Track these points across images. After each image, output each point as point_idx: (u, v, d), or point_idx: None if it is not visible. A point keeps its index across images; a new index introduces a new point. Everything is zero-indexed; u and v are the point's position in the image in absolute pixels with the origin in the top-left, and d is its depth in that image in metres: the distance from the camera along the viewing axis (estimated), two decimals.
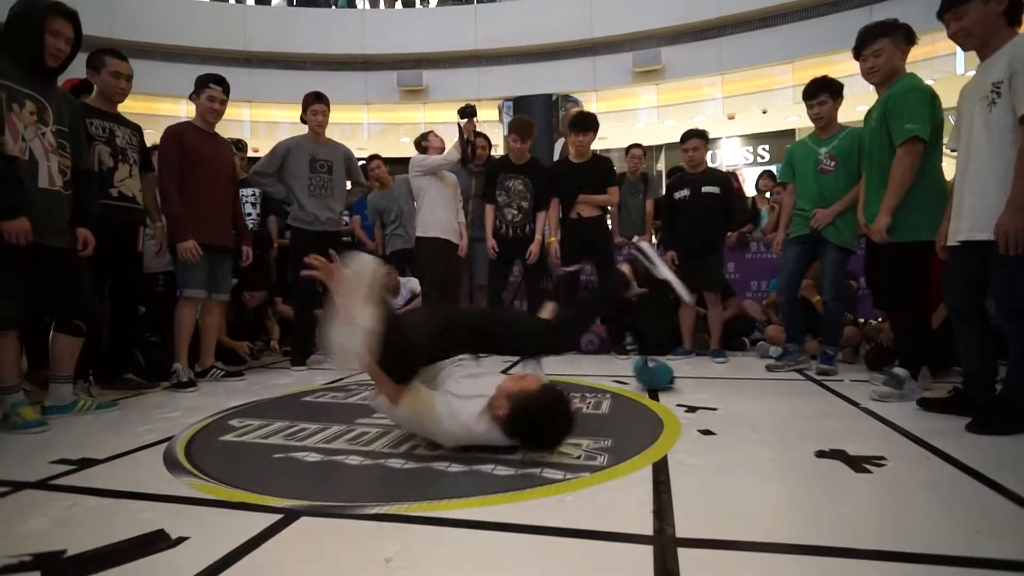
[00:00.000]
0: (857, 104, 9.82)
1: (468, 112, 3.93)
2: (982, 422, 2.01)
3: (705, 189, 3.97)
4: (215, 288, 3.34)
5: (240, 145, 4.83)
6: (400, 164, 4.66)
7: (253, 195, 4.43)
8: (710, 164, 4.64)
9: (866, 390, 2.75)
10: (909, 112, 2.52)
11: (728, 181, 4.24)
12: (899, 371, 2.58)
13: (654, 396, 2.71)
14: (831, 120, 3.32)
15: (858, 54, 2.78)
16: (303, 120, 3.91)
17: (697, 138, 4.04)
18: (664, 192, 4.53)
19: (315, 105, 3.82)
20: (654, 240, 5.47)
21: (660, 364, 3.01)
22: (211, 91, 3.29)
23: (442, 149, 4.14)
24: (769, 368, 3.44)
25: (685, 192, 4.03)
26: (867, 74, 2.76)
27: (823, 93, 3.29)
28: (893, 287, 2.67)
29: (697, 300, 4.10)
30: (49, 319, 2.57)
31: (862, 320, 4.38)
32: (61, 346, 2.50)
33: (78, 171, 2.52)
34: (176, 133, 3.22)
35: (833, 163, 3.23)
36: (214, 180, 3.29)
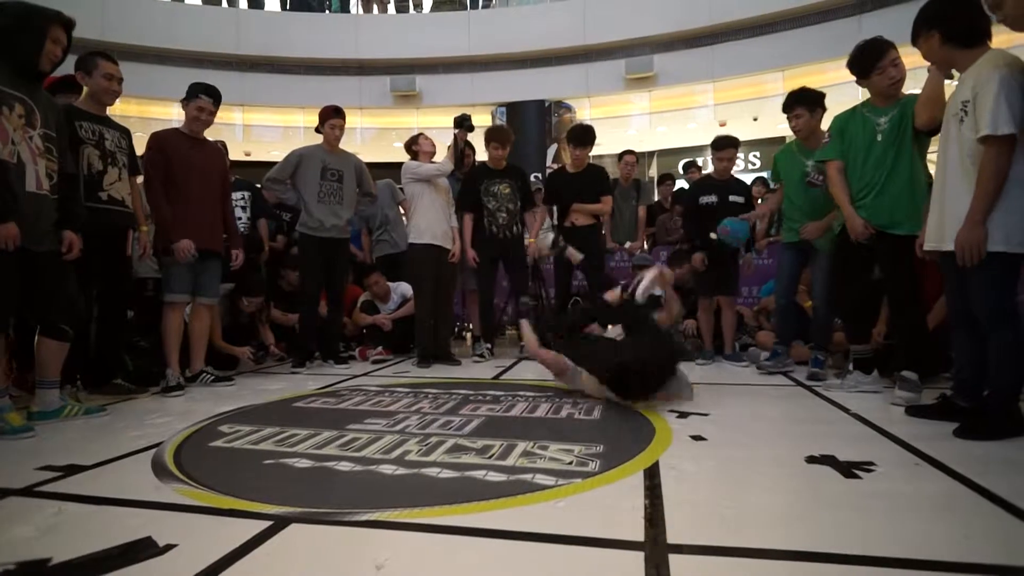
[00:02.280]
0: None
1: (466, 124, 3.98)
2: (969, 427, 2.04)
3: (732, 199, 4.00)
4: (202, 292, 3.33)
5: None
6: (393, 169, 4.65)
7: (243, 198, 4.42)
8: (702, 170, 4.69)
9: (857, 395, 2.78)
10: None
11: (750, 191, 4.28)
12: (907, 374, 2.61)
13: None
14: (812, 131, 3.34)
15: (871, 67, 2.77)
16: (318, 131, 4.03)
17: (732, 147, 4.06)
18: (688, 194, 4.52)
19: (334, 119, 3.98)
20: (645, 246, 5.50)
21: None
22: (200, 102, 3.28)
23: (432, 153, 4.15)
24: (759, 369, 3.50)
25: (712, 198, 4.04)
26: (889, 89, 2.78)
27: (798, 107, 3.33)
28: (899, 288, 2.72)
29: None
30: (35, 323, 2.54)
31: None
32: (47, 351, 2.48)
33: (62, 175, 2.50)
34: (160, 139, 3.23)
35: (821, 178, 3.23)
36: (200, 185, 3.28)
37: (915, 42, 2.29)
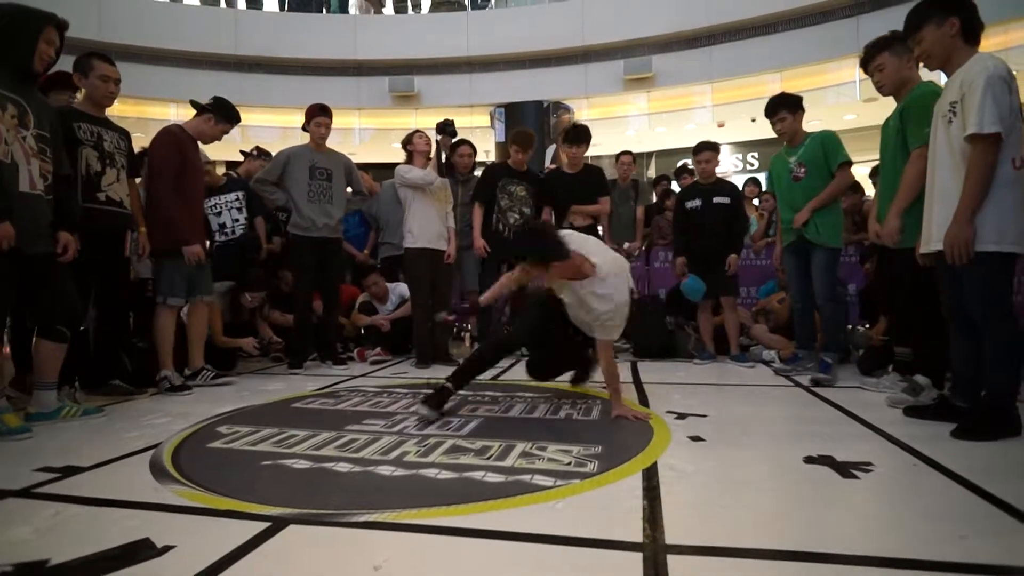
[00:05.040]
0: (844, 113, 9.99)
1: (449, 130, 4.02)
2: (967, 428, 2.04)
3: (717, 200, 4.04)
4: (199, 290, 3.34)
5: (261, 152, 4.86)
6: (392, 169, 4.65)
7: (237, 199, 4.39)
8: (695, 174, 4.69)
9: (855, 395, 2.78)
10: (928, 117, 2.37)
11: (737, 191, 4.30)
12: (920, 379, 2.60)
13: (644, 403, 2.72)
14: (796, 132, 3.48)
15: (865, 70, 2.86)
16: (305, 129, 4.00)
17: (710, 150, 4.13)
18: (676, 200, 4.57)
19: (319, 117, 3.97)
20: (643, 247, 5.51)
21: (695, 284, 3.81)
22: (227, 126, 3.36)
23: (427, 152, 4.14)
24: (778, 372, 3.52)
25: (697, 202, 4.10)
26: (877, 88, 2.84)
27: (781, 110, 3.47)
28: (910, 293, 2.67)
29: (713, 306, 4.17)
30: (32, 325, 2.54)
31: (849, 327, 4.42)
32: (44, 352, 2.47)
33: (58, 176, 2.49)
34: (175, 137, 3.22)
35: (803, 170, 3.38)
36: (198, 184, 3.34)
37: (918, 31, 2.22)
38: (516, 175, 4.25)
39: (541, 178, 4.50)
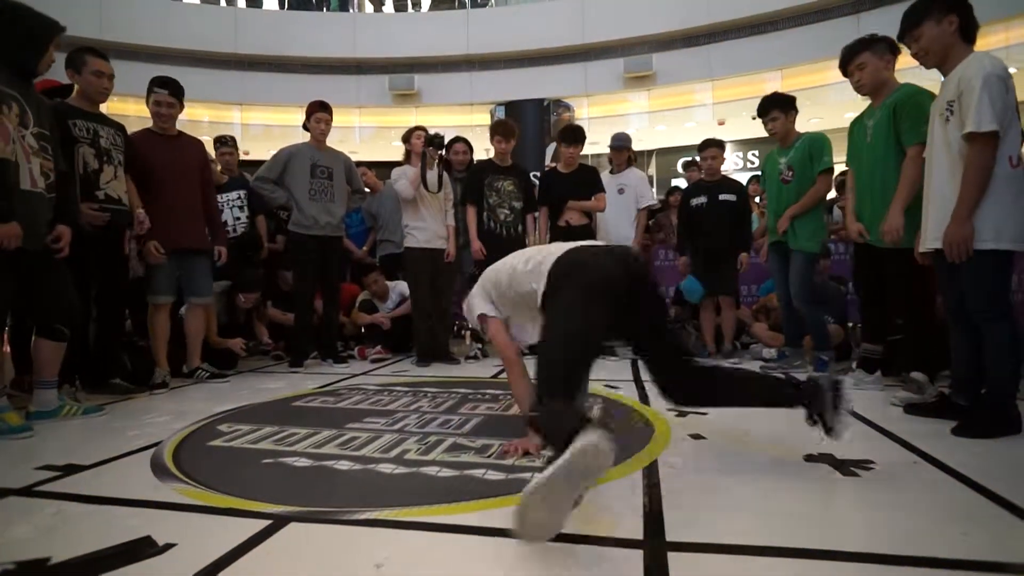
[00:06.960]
0: (845, 111, 9.97)
1: (436, 142, 3.99)
2: (967, 426, 2.04)
3: (722, 197, 4.05)
4: (192, 292, 3.33)
5: (225, 140, 4.74)
6: (391, 168, 4.65)
7: (239, 198, 4.39)
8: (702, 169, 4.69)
9: (855, 393, 2.77)
10: (923, 115, 2.48)
11: (743, 189, 4.30)
12: (917, 375, 2.61)
13: (644, 400, 2.72)
14: (788, 132, 3.48)
15: (844, 71, 2.88)
16: (305, 127, 3.99)
17: (716, 147, 4.14)
18: (681, 197, 4.57)
19: (319, 114, 3.95)
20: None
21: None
22: (155, 95, 3.26)
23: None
24: (762, 369, 3.50)
25: (702, 199, 4.10)
26: (856, 87, 2.86)
27: (773, 110, 3.48)
28: (902, 290, 2.72)
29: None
30: (31, 324, 2.53)
31: (851, 324, 4.42)
32: (44, 351, 2.46)
33: (56, 174, 2.49)
34: (132, 139, 3.19)
35: (791, 173, 3.39)
36: (178, 183, 3.28)
37: (917, 27, 2.21)
38: (501, 171, 4.23)
39: (526, 170, 4.48)
